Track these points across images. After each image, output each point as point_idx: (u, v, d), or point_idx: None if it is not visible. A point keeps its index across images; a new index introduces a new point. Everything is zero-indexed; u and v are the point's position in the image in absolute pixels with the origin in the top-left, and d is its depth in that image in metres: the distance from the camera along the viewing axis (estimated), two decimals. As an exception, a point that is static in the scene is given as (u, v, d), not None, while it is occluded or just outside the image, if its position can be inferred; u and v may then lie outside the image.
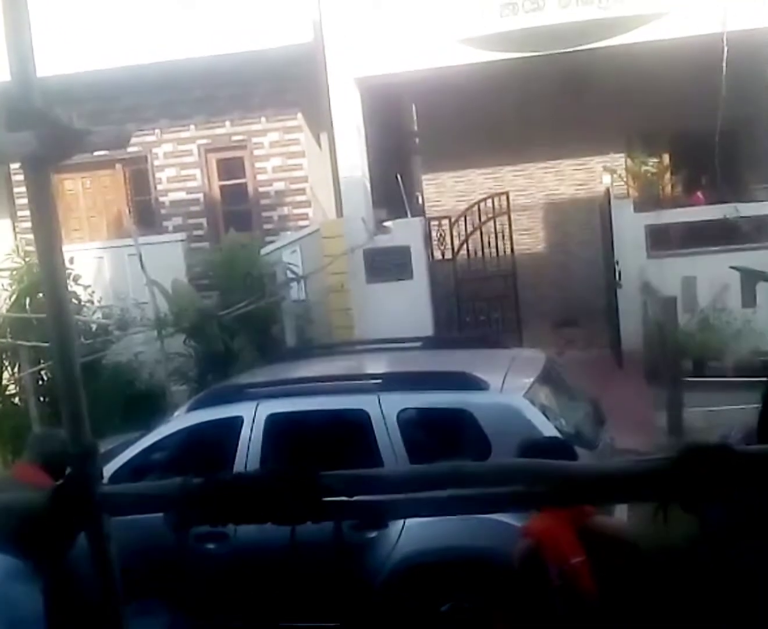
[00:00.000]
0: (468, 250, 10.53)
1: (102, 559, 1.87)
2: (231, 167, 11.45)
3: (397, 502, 1.86)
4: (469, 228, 10.58)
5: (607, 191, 10.08)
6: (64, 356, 1.83)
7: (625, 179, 11.16)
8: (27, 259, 8.98)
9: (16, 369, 8.52)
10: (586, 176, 11.89)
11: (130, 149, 10.40)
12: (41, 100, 1.72)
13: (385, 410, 4.65)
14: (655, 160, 10.69)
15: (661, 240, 9.78)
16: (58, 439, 4.18)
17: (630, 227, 9.74)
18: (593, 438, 4.88)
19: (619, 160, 11.45)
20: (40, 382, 8.46)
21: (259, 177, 11.32)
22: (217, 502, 1.72)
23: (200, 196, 11.44)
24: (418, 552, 4.42)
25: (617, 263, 9.57)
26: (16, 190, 11.64)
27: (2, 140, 1.72)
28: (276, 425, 4.75)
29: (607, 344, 10.14)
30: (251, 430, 4.73)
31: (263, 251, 9.89)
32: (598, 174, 11.60)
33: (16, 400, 8.70)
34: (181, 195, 11.42)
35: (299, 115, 11.10)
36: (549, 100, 10.95)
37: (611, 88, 10.58)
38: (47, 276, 1.78)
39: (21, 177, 11.43)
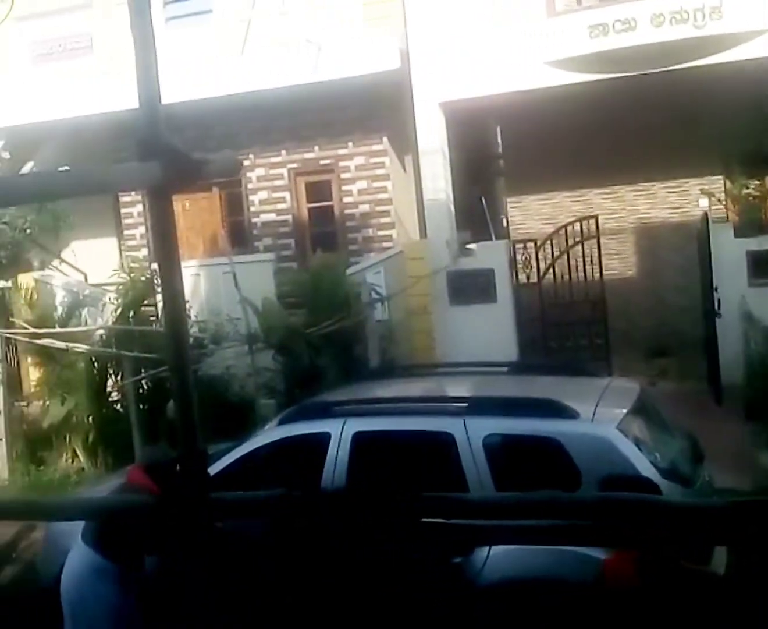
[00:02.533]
0: (554, 274, 10.33)
1: (207, 561, 1.93)
2: (318, 190, 11.73)
3: (493, 528, 1.84)
4: (556, 252, 10.38)
5: (705, 215, 9.68)
6: (180, 367, 1.94)
7: (724, 203, 10.72)
8: (132, 275, 9.49)
9: (119, 378, 8.97)
10: (680, 199, 11.47)
11: (223, 178, 10.80)
12: (165, 129, 1.84)
13: (471, 434, 4.62)
14: (757, 182, 10.20)
15: (763, 267, 9.30)
16: (164, 452, 4.62)
17: (730, 253, 9.31)
18: (690, 475, 4.68)
19: (717, 182, 11.02)
20: (141, 390, 8.89)
21: (345, 199, 11.54)
22: (318, 515, 1.75)
23: (289, 217, 11.77)
24: (503, 580, 4.34)
25: (716, 290, 9.10)
26: (123, 210, 12.35)
27: (131, 170, 1.84)
28: (362, 443, 4.82)
29: (704, 377, 9.64)
30: (338, 446, 4.81)
31: (348, 271, 10.04)
32: (695, 197, 11.19)
33: (119, 407, 9.16)
34: (272, 216, 11.79)
35: (384, 139, 11.28)
36: (641, 121, 10.66)
37: (708, 108, 10.20)
38: (167, 293, 1.89)
39: (128, 199, 12.27)
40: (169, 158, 1.83)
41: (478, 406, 4.85)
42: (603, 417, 4.62)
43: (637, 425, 4.71)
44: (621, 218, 11.74)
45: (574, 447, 4.40)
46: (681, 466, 4.72)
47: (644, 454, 4.40)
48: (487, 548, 4.36)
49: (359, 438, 4.81)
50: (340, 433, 4.83)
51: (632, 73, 9.41)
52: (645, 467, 4.23)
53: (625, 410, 4.71)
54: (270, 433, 5.21)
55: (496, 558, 4.33)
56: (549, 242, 10.43)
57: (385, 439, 4.89)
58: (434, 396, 5.41)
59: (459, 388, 5.90)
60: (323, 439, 4.85)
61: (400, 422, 4.91)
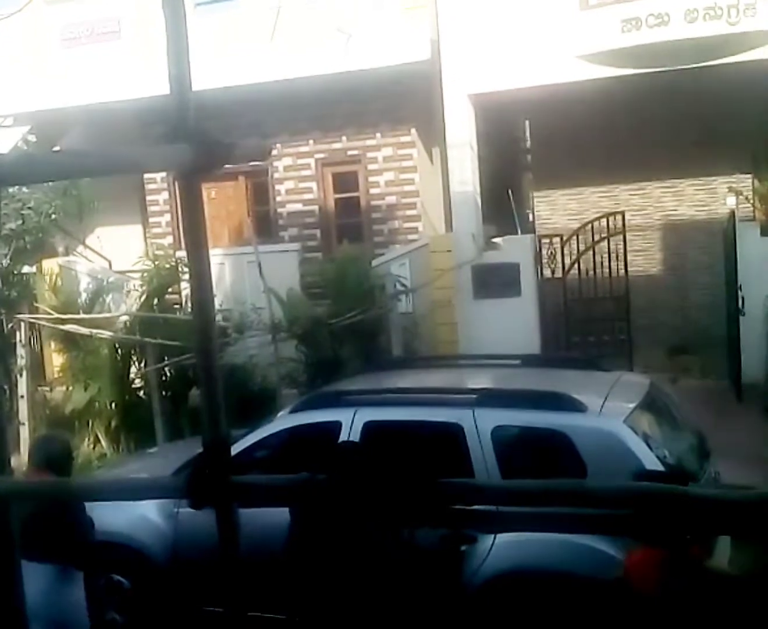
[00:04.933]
0: (579, 269, 10.29)
1: (229, 545, 1.94)
2: (345, 181, 11.79)
3: (517, 514, 1.85)
4: (582, 247, 10.34)
5: (732, 213, 9.58)
6: (206, 352, 1.96)
7: (751, 202, 10.55)
8: (156, 262, 9.60)
9: (142, 365, 9.11)
10: (708, 197, 11.32)
11: (251, 162, 10.90)
12: (195, 114, 1.87)
13: (480, 426, 4.67)
14: (786, 182, 10.02)
15: (789, 267, 9.16)
16: (60, 442, 4.33)
17: (756, 252, 9.17)
18: (696, 471, 4.68)
19: (745, 181, 10.82)
20: (164, 377, 9.01)
21: (372, 191, 11.59)
22: (340, 500, 1.77)
23: (315, 208, 11.86)
24: (506, 569, 4.40)
25: (740, 289, 9.04)
26: (148, 198, 12.51)
27: (161, 152, 1.89)
28: (372, 432, 4.88)
29: (726, 375, 9.59)
30: (348, 436, 4.87)
31: (373, 263, 10.10)
32: (722, 195, 11.04)
33: (141, 394, 9.30)
34: (298, 207, 11.88)
35: (413, 131, 11.30)
36: (670, 118, 10.53)
37: (738, 105, 10.03)
38: (195, 276, 1.91)
39: (153, 186, 12.41)
40: (199, 142, 1.84)
41: (487, 398, 4.89)
42: (611, 411, 4.64)
43: (645, 420, 4.72)
44: (647, 215, 11.60)
45: (581, 440, 4.43)
46: (687, 461, 4.72)
47: (651, 449, 4.42)
48: (491, 537, 4.42)
49: (370, 428, 4.87)
50: (350, 422, 4.89)
51: (664, 69, 9.30)
52: (651, 462, 4.25)
53: (633, 405, 4.73)
54: (281, 421, 5.31)
55: (501, 547, 4.39)
56: (575, 237, 10.38)
57: (395, 429, 4.95)
58: (444, 388, 5.46)
59: (470, 380, 5.94)
60: (334, 428, 4.92)
61: (411, 413, 4.97)
